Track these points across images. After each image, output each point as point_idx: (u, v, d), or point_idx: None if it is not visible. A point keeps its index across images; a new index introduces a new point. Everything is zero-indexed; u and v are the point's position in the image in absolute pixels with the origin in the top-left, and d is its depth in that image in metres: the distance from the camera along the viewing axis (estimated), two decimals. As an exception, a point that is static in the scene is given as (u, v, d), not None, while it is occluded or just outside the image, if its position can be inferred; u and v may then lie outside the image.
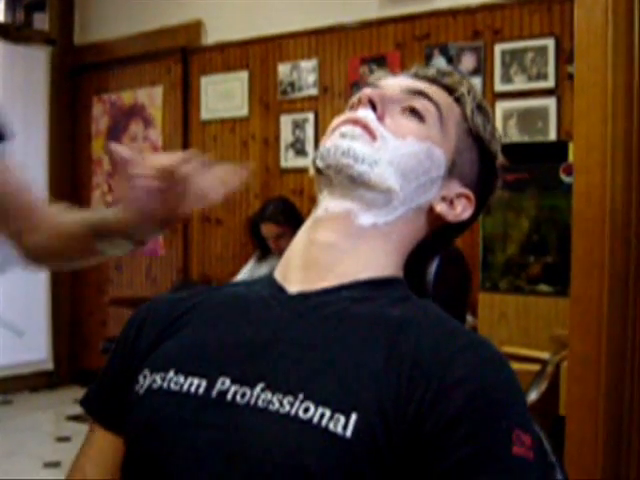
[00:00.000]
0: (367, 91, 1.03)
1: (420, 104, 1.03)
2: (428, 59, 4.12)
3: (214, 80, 5.06)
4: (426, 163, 1.00)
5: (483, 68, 4.00)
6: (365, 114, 1.01)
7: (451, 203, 1.04)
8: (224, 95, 5.00)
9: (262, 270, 4.13)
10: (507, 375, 0.86)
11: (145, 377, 0.96)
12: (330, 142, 1.00)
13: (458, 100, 1.07)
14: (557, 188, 3.58)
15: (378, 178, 0.97)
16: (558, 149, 3.64)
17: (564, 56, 3.79)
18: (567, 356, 2.07)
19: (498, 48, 3.98)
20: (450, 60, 4.07)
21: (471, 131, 1.06)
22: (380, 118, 1.01)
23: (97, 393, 1.07)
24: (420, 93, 1.04)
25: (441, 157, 1.01)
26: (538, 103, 3.82)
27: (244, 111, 4.92)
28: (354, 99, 1.07)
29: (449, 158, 1.03)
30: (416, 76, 1.09)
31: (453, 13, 4.11)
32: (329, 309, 0.93)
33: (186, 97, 5.18)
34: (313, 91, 4.61)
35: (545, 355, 3.03)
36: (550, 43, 3.82)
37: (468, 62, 4.03)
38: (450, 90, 1.07)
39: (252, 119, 4.87)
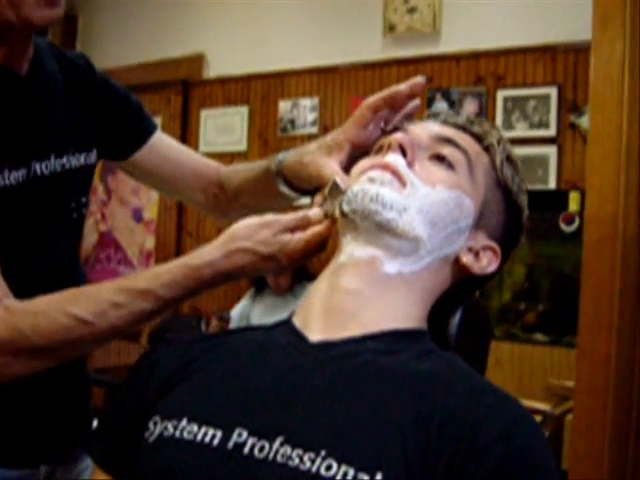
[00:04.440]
0: (397, 136, 1.00)
1: (449, 151, 1.01)
2: (430, 103, 4.12)
3: (214, 113, 5.05)
4: (455, 212, 0.97)
5: (485, 114, 3.99)
6: (395, 159, 0.98)
7: (477, 255, 1.01)
8: (223, 129, 4.99)
9: (257, 308, 4.06)
10: (538, 438, 0.82)
11: (156, 424, 0.92)
12: (358, 186, 0.97)
13: (487, 149, 1.04)
14: (556, 237, 3.57)
15: (406, 226, 0.94)
16: (558, 198, 3.63)
17: (566, 105, 3.79)
18: (571, 409, 2.03)
19: (500, 94, 3.98)
20: (452, 105, 4.07)
21: (499, 182, 1.03)
22: (410, 164, 0.98)
23: (102, 438, 1.03)
24: (449, 140, 1.02)
25: (470, 206, 0.99)
26: (539, 151, 3.81)
27: (243, 146, 4.90)
28: (382, 143, 1.04)
29: (477, 208, 1.00)
30: (444, 123, 1.06)
31: (457, 58, 4.11)
32: (353, 360, 0.90)
33: (185, 129, 5.16)
34: (313, 129, 4.60)
35: (541, 405, 2.99)
36: (553, 92, 3.82)
37: (470, 107, 4.03)
38: (479, 138, 1.05)
39: (251, 154, 4.84)
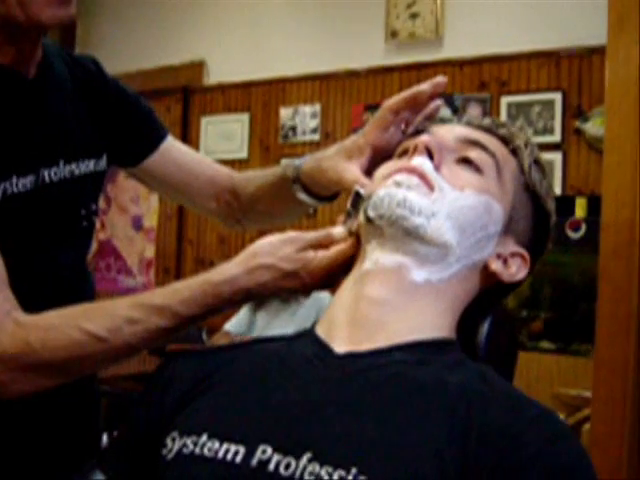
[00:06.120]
0: (424, 138, 0.96)
1: (477, 154, 0.97)
2: (433, 108, 4.08)
3: (214, 121, 5.01)
4: (484, 218, 0.94)
5: (488, 120, 3.96)
6: (422, 162, 0.94)
7: (505, 261, 0.97)
8: (224, 136, 4.95)
9: (260, 319, 3.99)
10: (581, 452, 0.79)
11: (174, 440, 0.87)
12: (384, 190, 0.93)
13: (514, 152, 1.01)
14: (562, 244, 3.53)
15: (435, 232, 0.91)
16: (564, 204, 3.59)
17: (571, 111, 3.76)
18: (585, 418, 2.00)
19: (504, 100, 3.95)
20: (455, 111, 4.03)
21: (527, 186, 1.00)
22: (437, 168, 0.94)
23: (116, 454, 0.99)
24: (476, 143, 0.98)
25: (499, 212, 0.95)
26: (544, 157, 3.74)
27: (244, 153, 4.86)
28: (407, 145, 1.00)
29: (506, 213, 0.96)
30: (469, 125, 1.03)
31: (460, 64, 4.08)
32: (382, 372, 0.86)
33: (185, 136, 5.11)
34: (314, 137, 4.56)
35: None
36: (557, 97, 3.79)
37: (474, 113, 3.99)
38: (506, 141, 1.01)
39: (252, 161, 4.80)
